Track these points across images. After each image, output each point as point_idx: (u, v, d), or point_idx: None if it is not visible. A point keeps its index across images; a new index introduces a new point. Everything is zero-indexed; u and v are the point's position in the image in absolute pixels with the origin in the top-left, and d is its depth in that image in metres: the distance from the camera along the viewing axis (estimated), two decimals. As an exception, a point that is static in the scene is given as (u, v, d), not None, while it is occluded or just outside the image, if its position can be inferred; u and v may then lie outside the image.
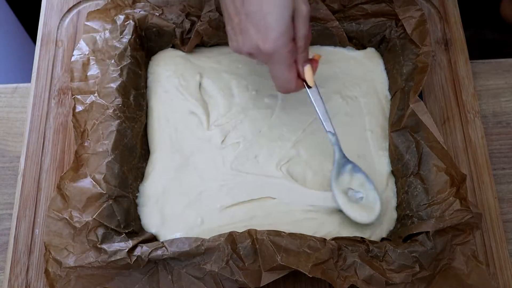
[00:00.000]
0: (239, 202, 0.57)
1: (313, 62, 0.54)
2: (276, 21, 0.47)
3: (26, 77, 0.66)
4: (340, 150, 0.57)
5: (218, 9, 0.61)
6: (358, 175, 0.57)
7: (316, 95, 0.55)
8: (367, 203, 0.56)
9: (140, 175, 0.58)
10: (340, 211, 0.56)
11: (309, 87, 0.54)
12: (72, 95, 0.57)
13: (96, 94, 0.56)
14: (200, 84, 0.63)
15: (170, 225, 0.56)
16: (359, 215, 0.55)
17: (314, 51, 0.65)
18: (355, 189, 0.57)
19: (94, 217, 0.51)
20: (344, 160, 0.57)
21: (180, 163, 0.59)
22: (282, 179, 0.58)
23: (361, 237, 0.53)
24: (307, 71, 0.53)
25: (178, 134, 0.60)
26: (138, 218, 0.56)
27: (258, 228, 0.52)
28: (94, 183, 0.52)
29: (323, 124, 0.56)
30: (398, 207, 0.58)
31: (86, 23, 0.60)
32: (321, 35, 0.63)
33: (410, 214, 0.55)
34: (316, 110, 0.56)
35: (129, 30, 0.60)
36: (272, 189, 0.58)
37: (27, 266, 0.56)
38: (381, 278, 0.49)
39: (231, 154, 0.59)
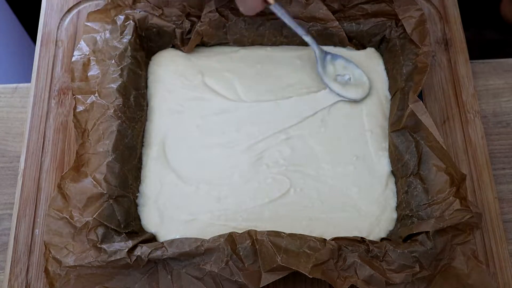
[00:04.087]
0: (240, 203, 0.57)
1: None
2: None
3: (26, 77, 0.66)
4: (318, 47, 0.62)
5: (218, 9, 0.61)
6: (338, 60, 0.63)
7: (281, 9, 0.58)
8: (356, 81, 0.63)
9: (140, 176, 0.58)
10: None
11: (269, 4, 0.57)
12: (73, 95, 0.57)
13: (96, 94, 0.56)
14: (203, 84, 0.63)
15: (170, 225, 0.56)
16: (355, 93, 0.62)
17: (314, 51, 0.65)
18: (341, 73, 0.63)
19: (94, 216, 0.51)
20: (323, 53, 0.63)
21: (180, 163, 0.59)
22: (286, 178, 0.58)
23: (361, 237, 0.53)
24: None
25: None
26: (138, 218, 0.56)
27: (260, 229, 0.52)
28: (95, 183, 0.53)
29: (297, 31, 0.60)
30: (398, 207, 0.58)
31: (86, 23, 0.60)
32: (321, 35, 0.63)
33: (410, 214, 0.55)
34: (285, 22, 0.59)
35: (129, 30, 0.60)
36: (276, 188, 0.58)
37: (27, 266, 0.56)
38: (381, 278, 0.49)
39: (232, 154, 0.59)
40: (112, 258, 0.49)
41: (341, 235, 0.54)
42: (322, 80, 0.62)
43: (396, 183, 0.59)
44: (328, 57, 0.63)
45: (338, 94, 0.62)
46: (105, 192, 0.52)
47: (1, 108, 0.65)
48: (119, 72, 0.58)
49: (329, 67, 0.63)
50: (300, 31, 0.60)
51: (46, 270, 0.50)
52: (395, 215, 0.57)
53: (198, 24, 0.61)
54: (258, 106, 0.62)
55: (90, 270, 0.50)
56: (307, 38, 0.61)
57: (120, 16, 0.60)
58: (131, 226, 0.54)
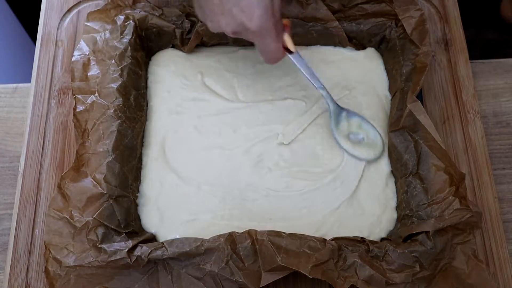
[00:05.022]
0: (241, 203, 0.57)
1: (286, 28, 0.55)
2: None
3: (26, 77, 0.66)
4: (333, 101, 0.60)
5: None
6: (354, 118, 0.61)
7: (299, 58, 0.57)
8: (369, 141, 0.60)
9: (140, 176, 0.58)
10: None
11: (291, 52, 0.56)
12: (73, 94, 0.57)
13: (96, 94, 0.56)
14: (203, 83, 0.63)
15: (170, 225, 0.56)
16: (366, 153, 0.59)
17: (314, 51, 0.65)
18: (355, 132, 0.60)
19: (94, 216, 0.51)
20: (339, 109, 0.60)
21: (180, 163, 0.59)
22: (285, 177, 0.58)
23: (361, 237, 0.53)
24: (287, 39, 0.55)
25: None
26: (138, 218, 0.56)
27: (259, 229, 0.52)
28: (95, 183, 0.53)
29: (312, 83, 0.59)
30: (397, 207, 0.58)
31: (86, 23, 0.60)
32: (321, 35, 0.63)
33: (409, 214, 0.55)
34: (302, 72, 0.58)
35: (129, 30, 0.60)
36: (276, 189, 0.58)
37: (27, 266, 0.56)
38: (381, 278, 0.49)
39: (232, 157, 0.59)
40: (112, 258, 0.49)
41: (341, 235, 0.54)
42: (333, 135, 0.60)
43: (395, 183, 0.59)
44: (344, 113, 0.60)
45: (347, 152, 0.59)
46: (105, 192, 0.52)
47: (1, 108, 0.65)
48: (119, 72, 0.58)
49: (343, 124, 0.60)
50: (316, 83, 0.59)
51: (46, 270, 0.50)
52: (395, 215, 0.57)
53: (198, 24, 0.61)
54: (255, 106, 0.62)
55: (90, 270, 0.50)
56: (324, 92, 0.59)
57: (120, 16, 0.60)
58: (131, 226, 0.54)
